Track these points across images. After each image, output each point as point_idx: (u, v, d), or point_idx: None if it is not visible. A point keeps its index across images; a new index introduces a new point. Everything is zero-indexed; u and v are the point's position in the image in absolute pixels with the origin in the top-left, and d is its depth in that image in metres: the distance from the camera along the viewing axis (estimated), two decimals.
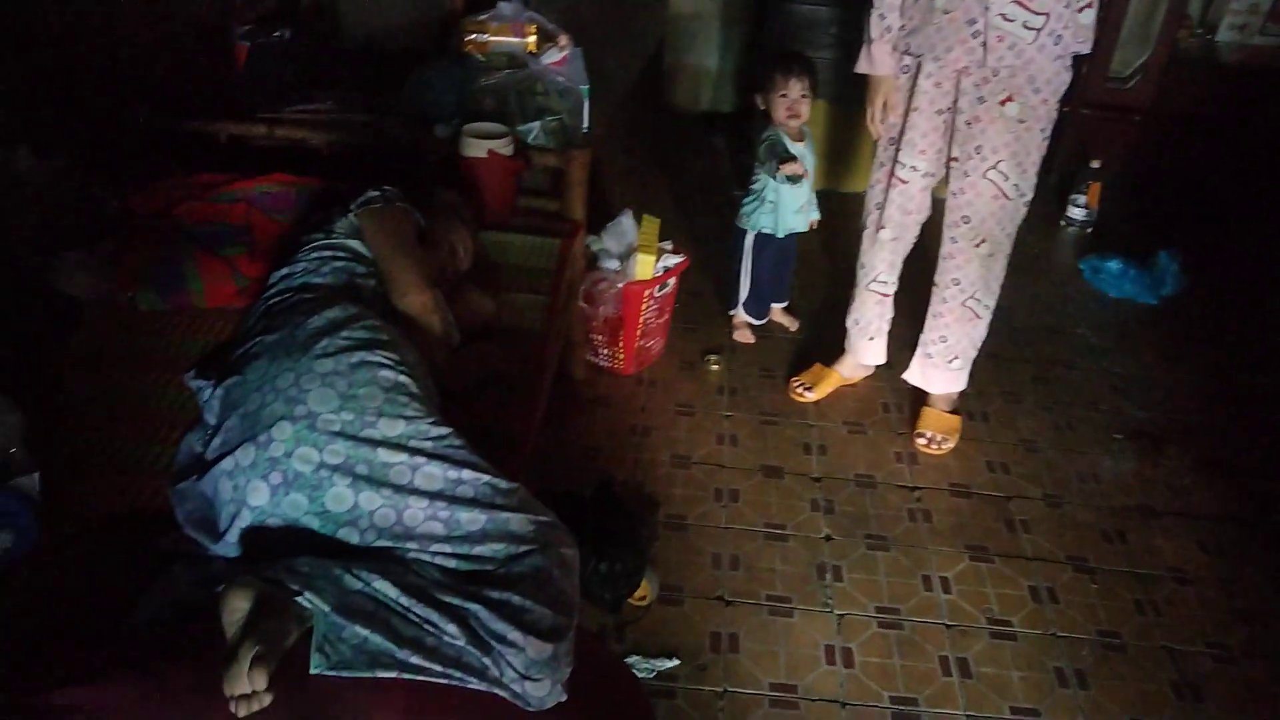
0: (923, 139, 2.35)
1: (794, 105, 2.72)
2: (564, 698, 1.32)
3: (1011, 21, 2.11)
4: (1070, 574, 2.27)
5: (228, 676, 1.19)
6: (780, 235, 2.88)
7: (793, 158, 2.73)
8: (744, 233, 2.91)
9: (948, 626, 2.11)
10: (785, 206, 2.82)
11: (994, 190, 2.30)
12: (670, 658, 1.99)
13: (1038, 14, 2.09)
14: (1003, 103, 2.20)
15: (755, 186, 2.84)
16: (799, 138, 2.80)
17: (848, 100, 3.77)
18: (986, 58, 2.16)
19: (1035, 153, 2.28)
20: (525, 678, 1.27)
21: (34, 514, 1.56)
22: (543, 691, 1.28)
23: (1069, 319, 3.33)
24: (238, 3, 3.11)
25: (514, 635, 1.28)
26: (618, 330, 2.79)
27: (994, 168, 2.28)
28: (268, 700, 1.19)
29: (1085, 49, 2.18)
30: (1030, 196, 2.34)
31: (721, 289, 3.15)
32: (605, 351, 2.87)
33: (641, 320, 2.78)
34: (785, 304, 3.15)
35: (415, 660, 1.27)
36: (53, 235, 2.14)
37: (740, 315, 3.06)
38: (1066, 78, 2.21)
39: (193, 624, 1.36)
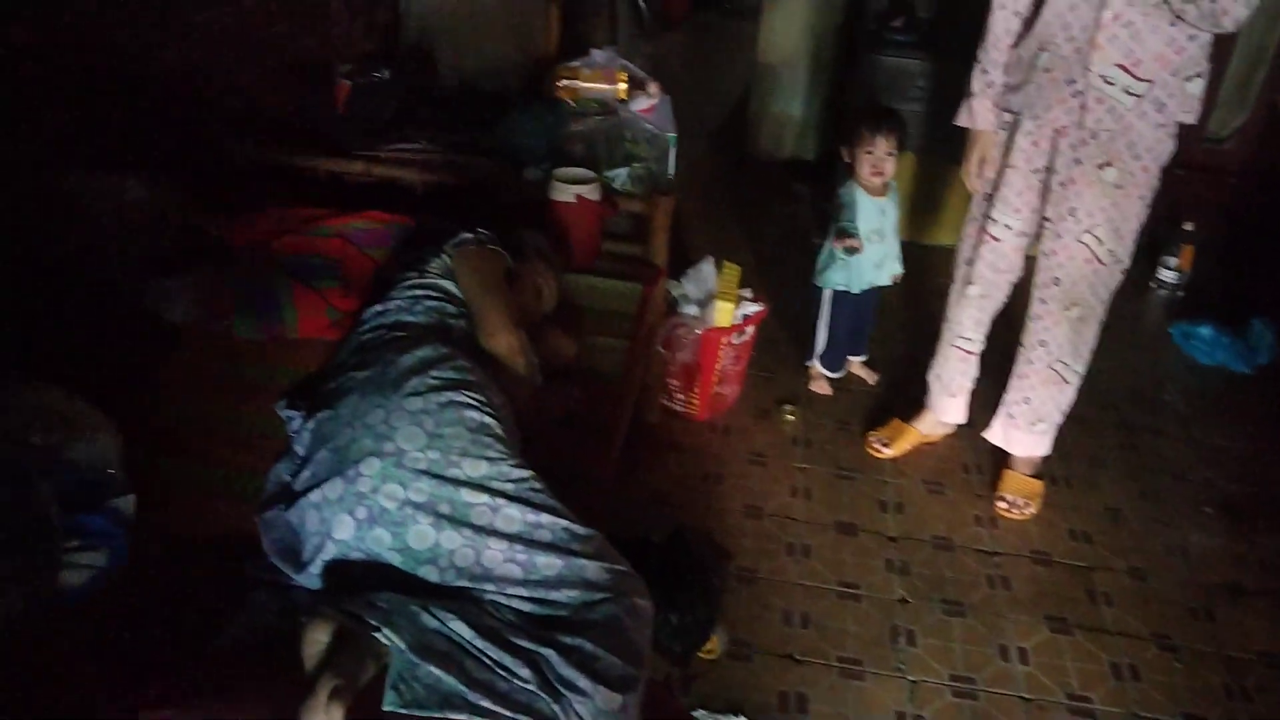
0: (1017, 197, 2.32)
1: (879, 163, 2.70)
2: None
3: (1113, 85, 2.08)
4: (1154, 651, 2.18)
5: (305, 709, 1.20)
6: (855, 291, 2.86)
7: (852, 234, 2.71)
8: (820, 289, 2.89)
9: (1024, 699, 2.05)
10: (860, 261, 2.80)
11: (1087, 254, 2.26)
12: (736, 714, 1.96)
13: (1141, 80, 2.05)
14: (1100, 166, 2.16)
15: (828, 242, 2.83)
16: (880, 192, 2.78)
17: (935, 153, 3.76)
18: (1084, 118, 2.13)
19: (1134, 220, 2.23)
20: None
21: (127, 535, 1.60)
22: None
23: (1158, 385, 3.24)
24: (340, 43, 3.22)
25: (583, 683, 1.28)
26: (694, 376, 2.79)
27: (1088, 231, 2.23)
28: None
29: (1190, 119, 2.12)
30: (1127, 264, 2.29)
31: (799, 339, 3.14)
32: (681, 397, 2.87)
33: (718, 367, 2.78)
34: (864, 358, 3.12)
35: (485, 704, 1.27)
36: (155, 263, 2.22)
37: (816, 367, 3.04)
38: (1170, 146, 2.16)
39: (273, 652, 1.39)
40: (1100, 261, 2.26)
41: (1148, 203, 2.22)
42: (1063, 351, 2.40)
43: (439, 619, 1.34)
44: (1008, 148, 2.30)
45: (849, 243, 2.71)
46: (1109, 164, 2.16)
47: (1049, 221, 2.29)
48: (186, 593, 1.56)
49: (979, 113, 2.34)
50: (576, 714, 1.28)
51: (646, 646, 1.42)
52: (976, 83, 2.31)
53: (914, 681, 2.07)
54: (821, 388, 3.04)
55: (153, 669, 1.39)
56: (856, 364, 3.11)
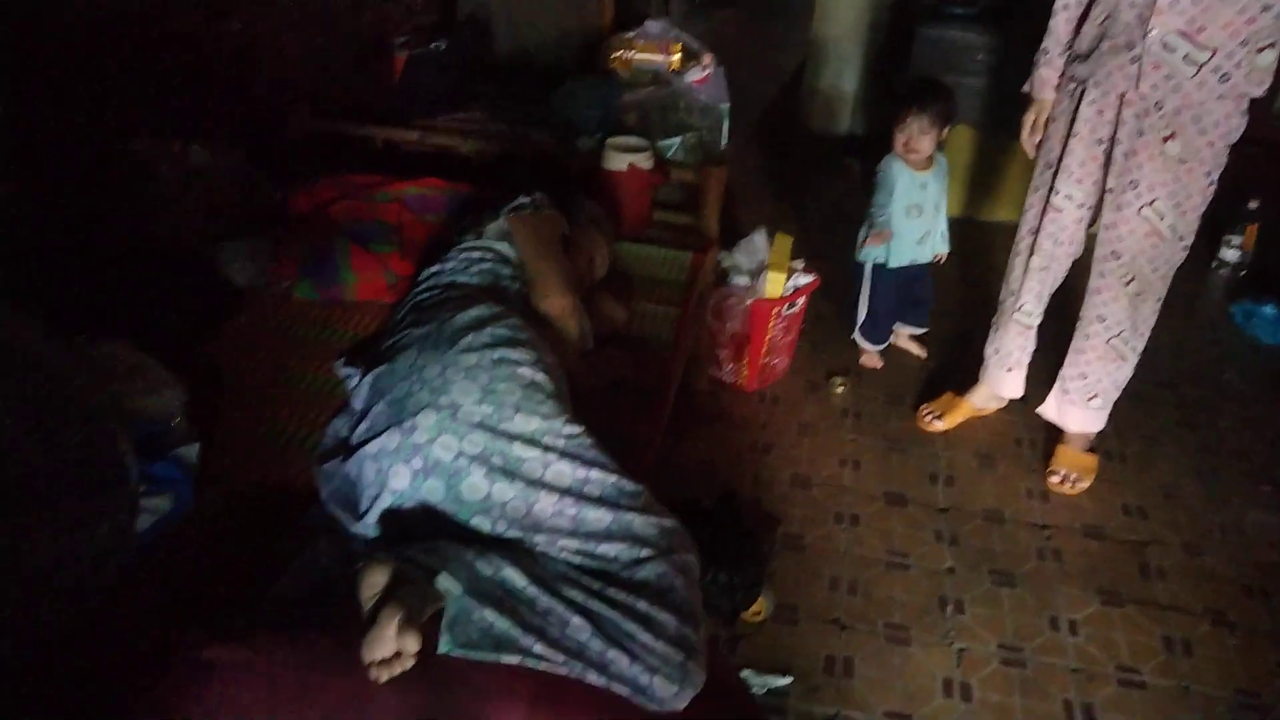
0: (1079, 167, 2.28)
1: (912, 139, 2.67)
2: (685, 704, 1.33)
3: (1172, 52, 2.03)
4: (1208, 627, 2.15)
5: (368, 641, 1.23)
6: (892, 265, 2.83)
7: (879, 226, 2.71)
8: (861, 263, 2.88)
9: (1073, 670, 2.04)
10: (900, 237, 2.78)
11: (1148, 228, 2.22)
12: (782, 675, 1.97)
13: (1203, 48, 2.00)
14: (1164, 139, 2.12)
15: (868, 217, 2.80)
16: (923, 167, 2.75)
17: (993, 127, 3.71)
18: (1141, 84, 2.09)
19: (1198, 196, 2.18)
20: (656, 672, 1.29)
21: (192, 482, 1.66)
22: (670, 692, 1.30)
23: (1217, 364, 3.17)
24: (398, 16, 3.26)
25: (644, 637, 1.30)
26: (743, 346, 2.79)
27: (1149, 205, 2.19)
28: (410, 664, 1.23)
29: (1258, 92, 2.06)
30: (1190, 241, 2.24)
31: (850, 312, 3.12)
32: (729, 367, 2.88)
33: (768, 338, 2.78)
34: (923, 330, 3.09)
35: (538, 649, 1.30)
36: (219, 226, 2.29)
37: (858, 340, 3.01)
38: (1239, 122, 2.10)
39: (331, 597, 1.43)
40: (1161, 237, 2.22)
41: (1213, 180, 2.17)
42: (1121, 327, 2.36)
43: (493, 566, 1.37)
44: (1073, 117, 2.26)
45: (874, 238, 2.71)
46: (1173, 137, 2.11)
47: (1110, 193, 2.25)
48: (249, 539, 1.61)
49: (1039, 81, 2.33)
50: (640, 660, 1.30)
51: (699, 603, 1.43)
52: (1041, 53, 2.30)
53: (962, 649, 2.07)
54: (871, 361, 3.03)
55: (214, 609, 1.45)
56: (905, 337, 3.09)
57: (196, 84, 2.49)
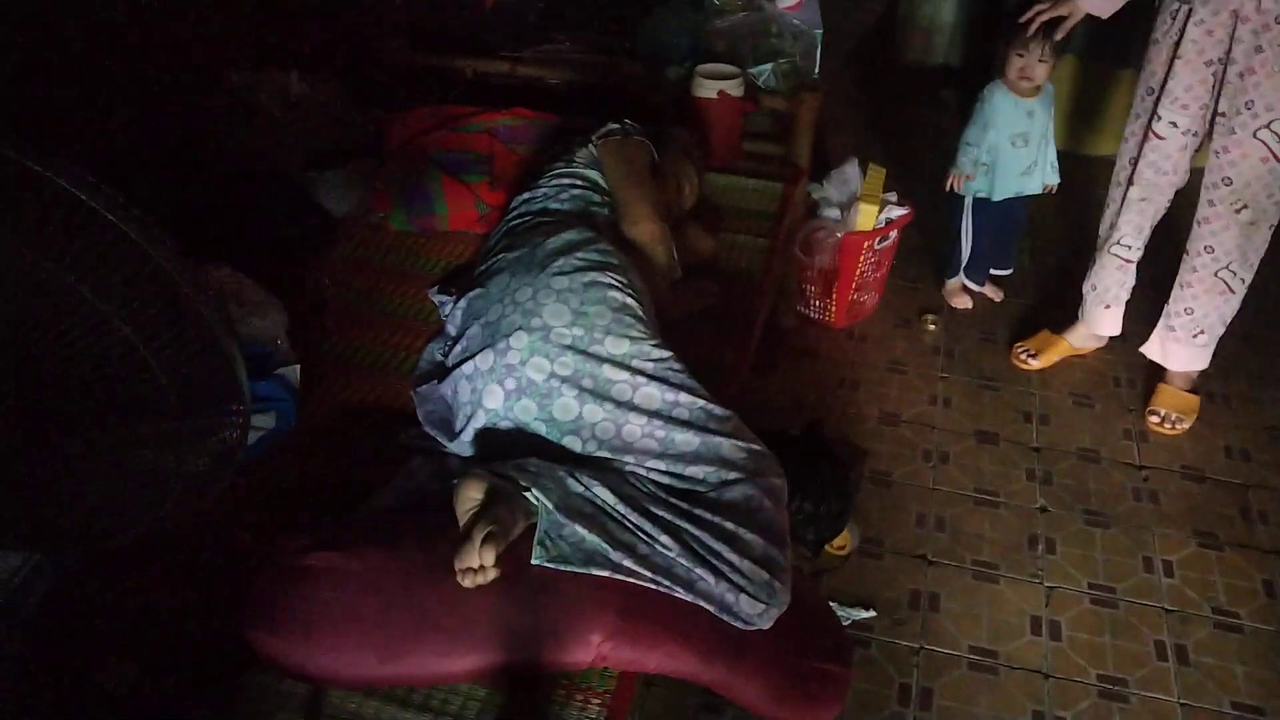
0: (1186, 92, 2.18)
1: (1029, 68, 2.55)
2: (771, 624, 1.34)
3: None
4: None
5: (461, 554, 1.28)
6: (996, 199, 2.74)
7: (962, 169, 2.64)
8: (960, 196, 2.79)
9: (1167, 611, 1.99)
10: (1004, 168, 2.68)
11: (1264, 152, 2.11)
12: (867, 609, 1.98)
13: None
14: None
15: (960, 147, 2.70)
16: (1030, 95, 2.63)
17: (1098, 56, 3.54)
18: (1262, 2, 1.97)
19: None
20: (742, 591, 1.31)
21: (294, 400, 1.73)
22: (756, 610, 1.31)
23: None
24: None
25: (731, 556, 1.32)
26: (832, 281, 2.75)
27: (1267, 126, 2.08)
28: (493, 575, 1.27)
29: None
30: None
31: (944, 249, 3.04)
32: (817, 303, 2.84)
33: (858, 273, 2.73)
34: (1008, 271, 3.00)
35: (628, 564, 1.33)
36: (316, 155, 2.34)
37: (959, 280, 2.94)
38: None
39: (429, 511, 1.48)
40: (1277, 159, 2.11)
41: None
42: (1230, 258, 2.26)
43: (584, 484, 1.39)
44: (1178, 39, 2.15)
45: (955, 178, 2.65)
46: None
47: (1223, 116, 2.14)
48: (348, 456, 1.67)
49: None
50: (728, 579, 1.32)
51: (785, 526, 1.44)
52: None
53: (1051, 588, 2.04)
54: (962, 302, 2.95)
55: (315, 521, 1.51)
56: (954, 284, 2.97)
57: (296, 16, 2.53)
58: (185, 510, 1.32)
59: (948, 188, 2.74)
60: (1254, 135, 2.10)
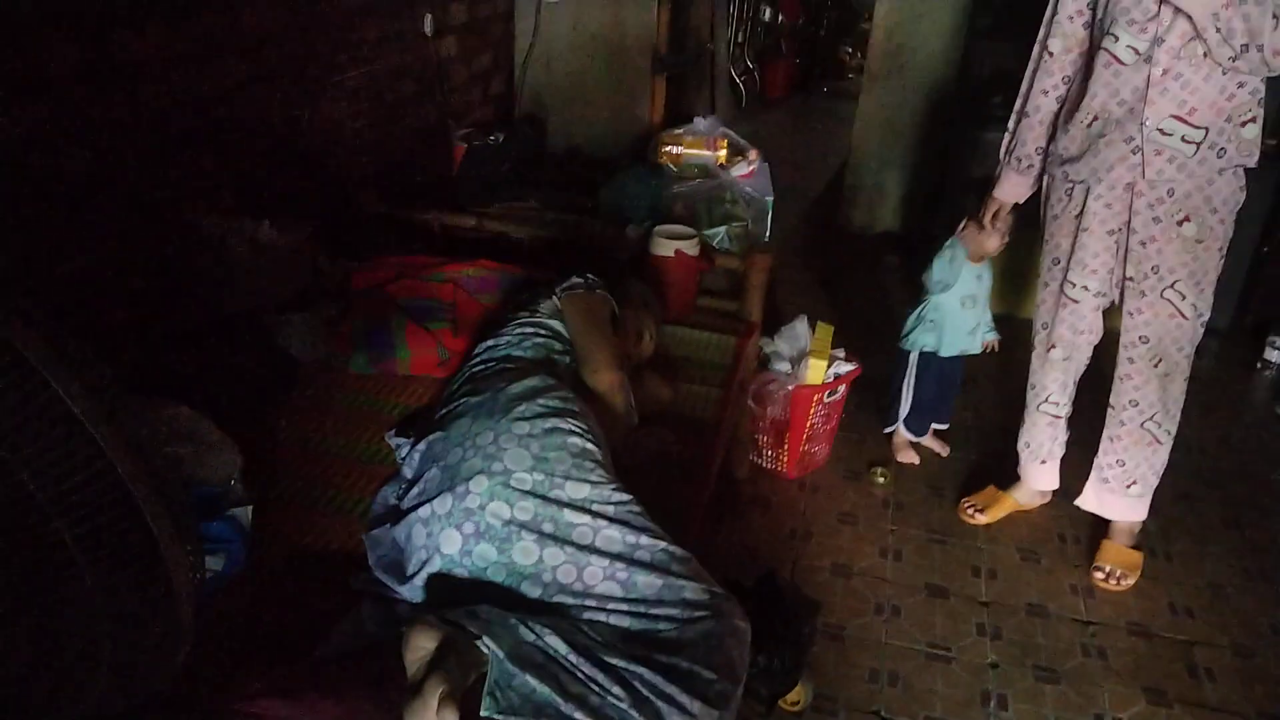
0: (1094, 259, 2.33)
1: (1003, 237, 2.69)
2: None
3: (1169, 135, 2.10)
4: None
5: (411, 710, 1.25)
6: (944, 354, 2.85)
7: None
8: (906, 351, 2.90)
9: None
10: (952, 326, 2.80)
11: (1170, 309, 2.26)
12: None
13: (1196, 128, 2.08)
14: (1179, 223, 2.18)
15: (922, 302, 2.82)
16: (978, 259, 2.79)
17: (1025, 224, 3.76)
18: (1146, 171, 2.15)
19: (1213, 272, 2.24)
20: None
21: (244, 543, 1.70)
22: None
23: (1265, 465, 3.13)
24: (459, 109, 3.42)
25: (682, 699, 1.31)
26: (784, 432, 2.82)
27: (1171, 287, 2.24)
28: None
29: (1250, 162, 2.14)
30: (1207, 317, 2.28)
31: (887, 404, 3.13)
32: (770, 453, 2.90)
33: (809, 424, 2.80)
34: (944, 426, 3.09)
35: (578, 715, 1.31)
36: (282, 299, 2.38)
37: (901, 433, 3.01)
38: (1241, 196, 2.18)
39: (377, 658, 1.45)
40: (1184, 316, 2.26)
41: (1223, 253, 2.23)
42: (1154, 410, 2.37)
43: (536, 633, 1.38)
44: (1080, 212, 2.32)
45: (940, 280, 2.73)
46: (1187, 219, 2.17)
47: (1131, 281, 2.29)
48: (298, 600, 1.64)
49: (1012, 185, 2.50)
50: None
51: (743, 665, 1.44)
52: (1004, 153, 2.47)
53: None
54: (908, 456, 3.02)
55: (261, 666, 1.47)
56: (930, 434, 3.07)
57: (271, 167, 2.63)
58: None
59: (906, 343, 2.84)
60: (1161, 296, 2.26)
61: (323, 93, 2.78)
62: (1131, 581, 2.49)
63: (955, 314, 2.79)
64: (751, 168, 3.21)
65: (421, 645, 1.32)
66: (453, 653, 1.32)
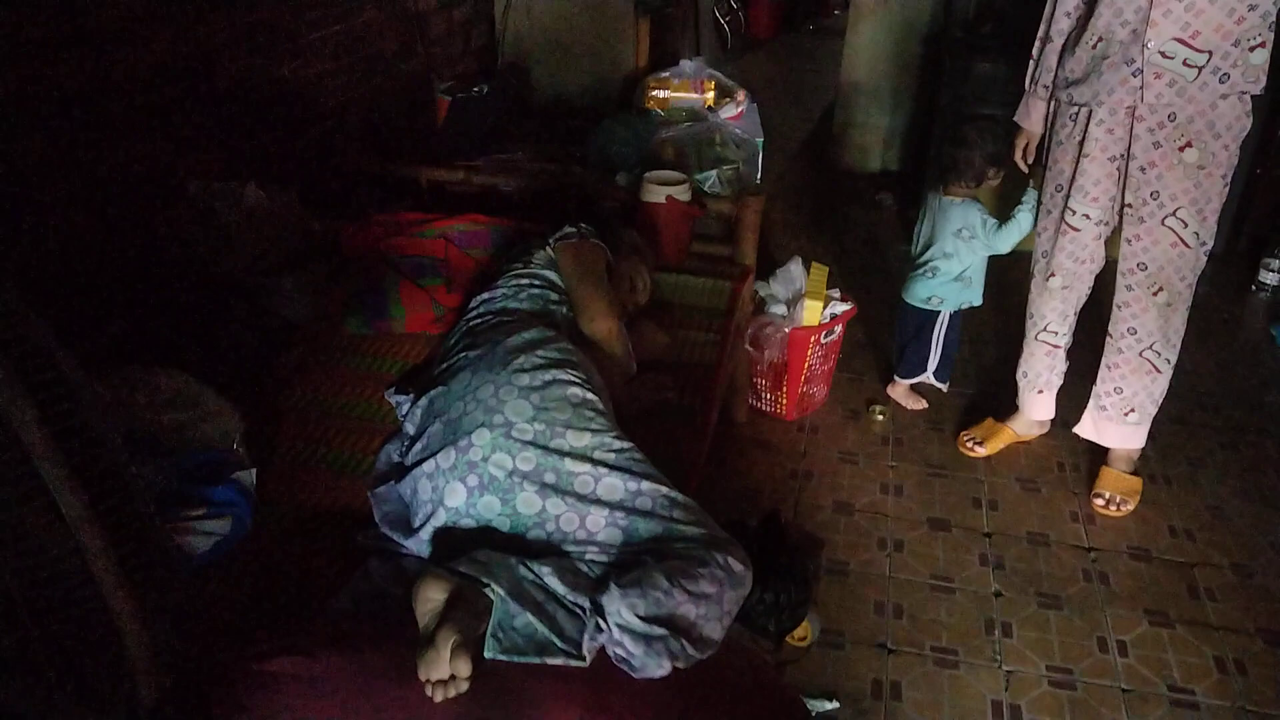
0: (1094, 186, 2.31)
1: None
2: (663, 673, 1.33)
3: (1171, 59, 2.07)
4: (1261, 646, 2.13)
5: (425, 661, 1.27)
6: (976, 304, 2.84)
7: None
8: (925, 310, 2.82)
9: (1124, 690, 2.02)
10: (980, 277, 2.77)
11: (1172, 238, 2.24)
12: (830, 699, 1.97)
13: (1200, 51, 2.05)
14: (1180, 149, 2.15)
15: (963, 265, 2.75)
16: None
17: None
18: (1145, 95, 2.13)
19: (1216, 200, 2.21)
20: (624, 629, 1.31)
21: (250, 505, 1.71)
22: (637, 651, 1.30)
23: (1260, 387, 3.15)
24: (441, 62, 3.37)
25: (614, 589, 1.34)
26: (781, 375, 2.82)
27: (1172, 214, 2.22)
28: (465, 687, 1.25)
29: (1256, 89, 2.11)
30: (1210, 245, 2.27)
31: (887, 342, 3.13)
32: (768, 396, 2.90)
33: (806, 366, 2.80)
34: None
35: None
36: (273, 262, 2.36)
37: (907, 382, 2.97)
38: (1246, 122, 2.15)
39: (387, 613, 1.47)
40: (1185, 244, 2.24)
41: (1228, 181, 2.20)
42: (1153, 339, 2.37)
43: (534, 572, 1.40)
44: (1082, 138, 2.29)
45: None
46: (1189, 145, 2.15)
47: (1130, 207, 2.27)
48: (305, 559, 1.65)
49: (1030, 111, 2.44)
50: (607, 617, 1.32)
51: (726, 602, 1.42)
52: (1030, 80, 2.41)
53: (1010, 671, 2.06)
54: (916, 403, 2.98)
55: (272, 626, 1.49)
56: (907, 387, 3.02)
57: (254, 128, 2.59)
58: None
59: (947, 305, 2.81)
60: (1162, 223, 2.23)
61: (303, 49, 2.74)
62: (1131, 507, 2.52)
63: (983, 266, 2.79)
64: (740, 109, 3.17)
65: (431, 597, 1.34)
66: (462, 603, 1.34)
